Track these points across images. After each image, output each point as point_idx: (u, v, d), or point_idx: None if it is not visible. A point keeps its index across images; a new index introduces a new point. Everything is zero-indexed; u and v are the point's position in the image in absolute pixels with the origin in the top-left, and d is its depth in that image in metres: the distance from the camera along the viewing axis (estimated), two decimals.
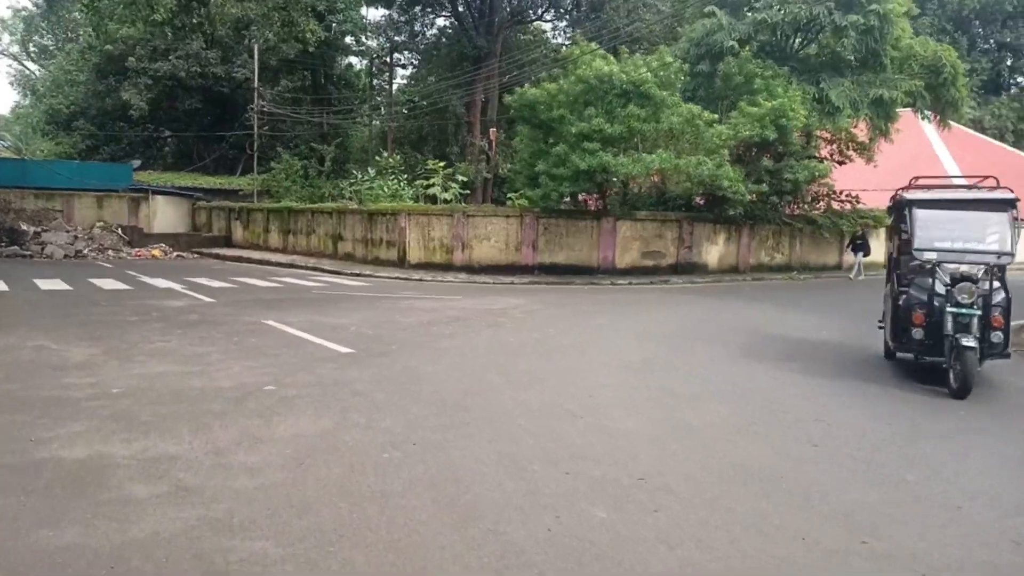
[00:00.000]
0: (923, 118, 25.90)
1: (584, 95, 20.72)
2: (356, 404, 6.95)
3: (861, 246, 24.43)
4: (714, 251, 24.61)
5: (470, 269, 22.13)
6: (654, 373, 9.03)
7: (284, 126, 37.28)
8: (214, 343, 10.05)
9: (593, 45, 23.10)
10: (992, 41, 54.15)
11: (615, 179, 22.41)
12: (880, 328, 10.41)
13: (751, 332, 12.56)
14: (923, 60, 24.00)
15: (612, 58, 21.67)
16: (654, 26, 31.24)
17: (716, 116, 21.52)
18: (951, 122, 27.72)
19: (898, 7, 23.22)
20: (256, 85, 33.33)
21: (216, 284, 18.07)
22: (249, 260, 25.99)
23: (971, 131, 43.85)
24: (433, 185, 23.16)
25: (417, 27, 34.15)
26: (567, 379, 8.44)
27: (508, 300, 16.21)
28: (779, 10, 22.98)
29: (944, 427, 6.95)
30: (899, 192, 9.89)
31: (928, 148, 40.06)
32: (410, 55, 36.16)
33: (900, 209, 9.49)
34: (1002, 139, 47.20)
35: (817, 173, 23.00)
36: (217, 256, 27.83)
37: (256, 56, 33.06)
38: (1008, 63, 54.48)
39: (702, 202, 24.72)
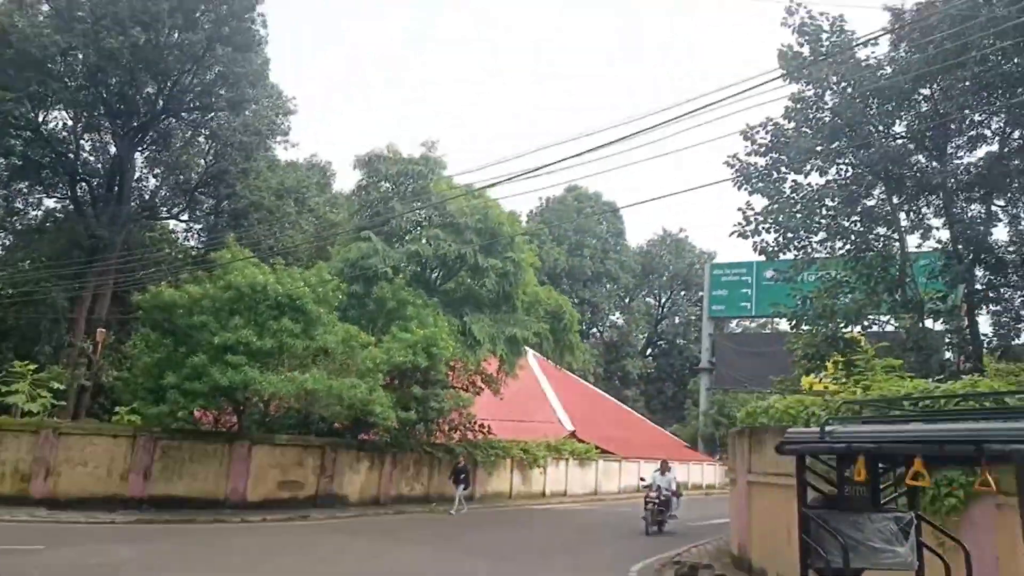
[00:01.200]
0: (548, 358, 28.46)
1: (232, 303, 18.67)
2: None
3: (463, 479, 23.12)
4: (356, 481, 22.85)
5: (54, 504, 17.18)
6: None
7: None
8: None
9: (247, 252, 21.44)
10: (575, 297, 64.62)
11: (256, 398, 20.07)
12: None
13: None
14: (547, 306, 26.85)
15: (266, 267, 20.19)
16: (299, 244, 30.77)
17: (372, 338, 20.90)
18: (555, 363, 30.96)
19: (529, 257, 26.03)
20: None
21: None
22: None
23: (566, 371, 50.26)
24: (16, 392, 18.19)
25: (19, 204, 28.95)
26: None
27: (113, 551, 12.40)
28: (429, 245, 24.10)
29: None
30: None
31: (535, 383, 44.54)
32: (2, 234, 30.19)
33: None
34: (585, 379, 55.01)
35: (461, 403, 23.34)
36: None
37: None
38: (588, 315, 64.98)
39: (342, 427, 23.29)
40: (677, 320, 74.60)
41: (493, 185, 21.82)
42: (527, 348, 28.97)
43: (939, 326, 21.04)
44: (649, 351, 73.79)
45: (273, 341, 18.78)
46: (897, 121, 22.17)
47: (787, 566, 11.35)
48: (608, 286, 70.75)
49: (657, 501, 19.58)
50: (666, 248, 76.30)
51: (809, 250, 22.65)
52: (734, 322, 67.42)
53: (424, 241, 24.07)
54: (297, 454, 21.34)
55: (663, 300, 76.75)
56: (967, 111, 21.50)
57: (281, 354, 19.31)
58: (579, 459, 33.37)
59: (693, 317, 74.83)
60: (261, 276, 19.27)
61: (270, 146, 30.07)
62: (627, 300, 74.72)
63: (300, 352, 19.50)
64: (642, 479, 22.72)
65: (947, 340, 20.62)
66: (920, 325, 21.04)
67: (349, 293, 22.72)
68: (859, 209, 22.32)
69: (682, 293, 76.37)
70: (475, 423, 26.11)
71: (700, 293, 75.40)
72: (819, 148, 22.15)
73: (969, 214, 21.84)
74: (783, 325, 55.83)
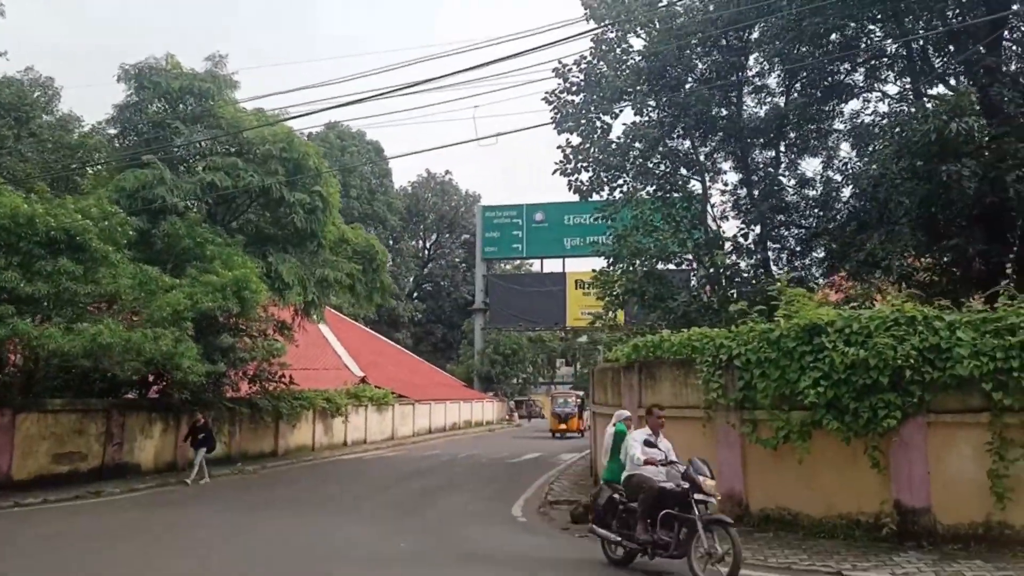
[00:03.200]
0: (358, 300, 26.55)
1: None
2: None
3: (204, 440, 18.61)
4: (149, 447, 19.78)
5: None
6: None
7: None
8: None
9: None
10: None
11: (21, 356, 16.33)
12: None
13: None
14: (356, 246, 25.00)
15: (33, 196, 16.24)
16: (30, 173, 25.44)
17: (177, 281, 17.85)
18: (364, 306, 29.27)
19: (335, 193, 23.92)
20: None
21: None
22: None
23: (340, 315, 48.11)
24: None
25: None
26: None
27: None
28: (227, 174, 21.06)
29: None
30: None
31: (315, 329, 42.10)
32: None
33: None
34: (356, 322, 53.41)
35: (275, 352, 21.06)
36: None
37: None
38: None
39: (127, 385, 19.97)
40: (444, 263, 74.93)
41: (293, 118, 19.51)
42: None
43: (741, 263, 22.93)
44: (416, 294, 73.52)
45: (47, 286, 15.23)
46: (696, 67, 23.38)
47: None
48: (376, 228, 68.82)
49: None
50: (431, 190, 75.89)
51: (625, 190, 23.39)
52: (504, 264, 69.11)
53: (221, 171, 20.89)
54: (76, 420, 17.80)
55: (429, 242, 76.58)
56: (758, 61, 23.35)
57: (59, 302, 15.78)
58: (377, 405, 32.24)
59: (458, 260, 75.78)
60: (26, 207, 15.43)
61: None
62: (393, 243, 73.48)
63: (82, 298, 16.07)
64: (650, 444, 14.84)
65: (746, 275, 22.48)
66: (723, 261, 22.75)
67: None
68: (662, 151, 23.38)
69: (447, 235, 76.78)
70: (278, 373, 23.77)
71: (465, 236, 76.46)
72: (628, 90, 22.78)
73: (760, 160, 23.86)
74: (549, 266, 58.52)
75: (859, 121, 21.68)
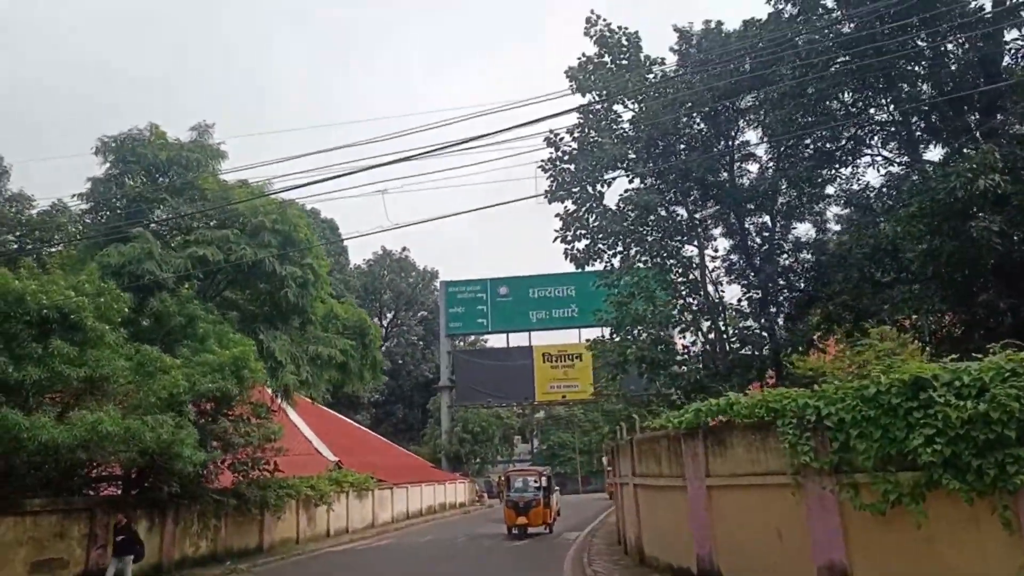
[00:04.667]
0: (349, 378, 25.15)
1: None
2: None
3: (125, 544, 14.77)
4: None
5: None
6: None
7: None
8: None
9: None
10: None
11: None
12: None
13: None
14: (344, 321, 23.93)
15: (21, 272, 14.92)
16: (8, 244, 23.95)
17: (176, 361, 16.49)
18: (354, 385, 27.91)
19: (324, 265, 23.00)
20: None
21: None
22: None
23: (306, 399, 46.08)
24: None
25: None
26: None
27: None
28: (219, 248, 19.99)
29: None
30: None
31: (281, 412, 40.07)
32: None
33: None
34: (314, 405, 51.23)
35: (272, 435, 19.60)
36: None
37: None
38: None
39: (110, 480, 18.21)
40: (402, 340, 73.42)
41: (287, 190, 18.76)
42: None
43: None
44: None
45: (38, 370, 13.80)
46: (687, 134, 23.70)
47: (774, 567, 10.78)
48: None
49: None
50: (387, 268, 75.03)
51: (624, 257, 23.13)
52: (466, 340, 67.92)
53: (213, 244, 19.78)
54: (56, 523, 15.94)
55: (387, 321, 75.13)
56: (743, 129, 23.86)
57: (49, 388, 14.32)
58: (358, 491, 30.44)
59: (415, 337, 74.39)
60: (17, 282, 14.11)
61: None
62: None
63: (75, 383, 14.63)
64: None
65: (750, 338, 22.24)
66: (735, 324, 22.55)
67: None
68: (653, 219, 23.40)
69: (405, 312, 75.54)
70: (270, 460, 22.04)
71: (422, 312, 75.37)
72: (620, 157, 22.86)
73: (753, 225, 24.04)
74: (515, 340, 57.71)
75: (852, 187, 22.08)
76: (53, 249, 23.68)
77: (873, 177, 22.43)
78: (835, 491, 10.05)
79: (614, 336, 23.41)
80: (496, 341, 61.33)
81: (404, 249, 75.50)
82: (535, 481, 27.13)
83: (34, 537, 15.43)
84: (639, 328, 22.29)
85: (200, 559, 19.89)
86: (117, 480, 18.28)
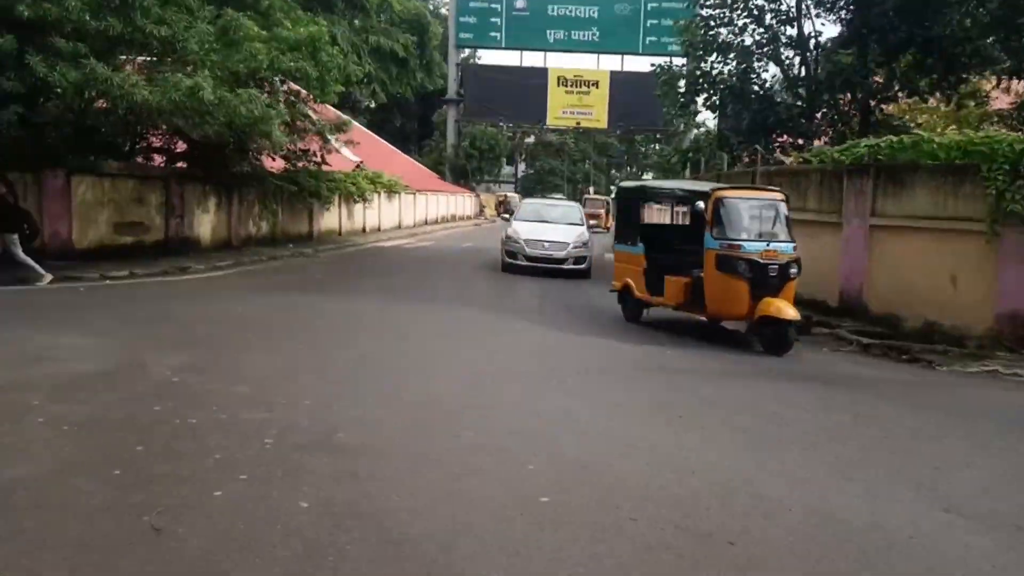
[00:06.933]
0: (409, 77, 23.83)
1: None
2: None
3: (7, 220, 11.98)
4: (206, 222, 17.94)
5: None
6: None
7: None
8: None
9: None
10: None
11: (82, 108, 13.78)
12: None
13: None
14: (403, 14, 22.07)
15: None
16: None
17: (262, 32, 15.16)
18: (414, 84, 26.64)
19: None
20: None
21: None
22: None
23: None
24: None
25: None
26: None
27: None
28: None
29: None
30: None
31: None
32: None
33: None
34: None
35: (343, 126, 18.91)
36: None
37: None
38: None
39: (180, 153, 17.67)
40: None
41: None
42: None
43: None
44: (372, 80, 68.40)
45: (119, 23, 12.56)
46: None
47: (940, 308, 10.89)
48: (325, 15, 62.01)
49: None
50: None
51: None
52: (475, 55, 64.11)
53: None
54: (135, 188, 15.69)
55: None
56: None
57: (130, 44, 13.17)
58: (388, 192, 30.54)
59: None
60: None
61: None
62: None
63: (155, 44, 13.46)
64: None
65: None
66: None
67: None
68: None
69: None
70: (313, 153, 21.43)
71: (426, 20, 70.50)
72: None
73: None
74: (529, 60, 54.89)
75: None
76: None
77: None
78: None
79: (682, 67, 22.14)
80: (509, 59, 58.02)
81: None
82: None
83: (114, 200, 15.24)
84: (720, 57, 21.01)
85: (262, 239, 20.20)
86: (178, 156, 17.65)
